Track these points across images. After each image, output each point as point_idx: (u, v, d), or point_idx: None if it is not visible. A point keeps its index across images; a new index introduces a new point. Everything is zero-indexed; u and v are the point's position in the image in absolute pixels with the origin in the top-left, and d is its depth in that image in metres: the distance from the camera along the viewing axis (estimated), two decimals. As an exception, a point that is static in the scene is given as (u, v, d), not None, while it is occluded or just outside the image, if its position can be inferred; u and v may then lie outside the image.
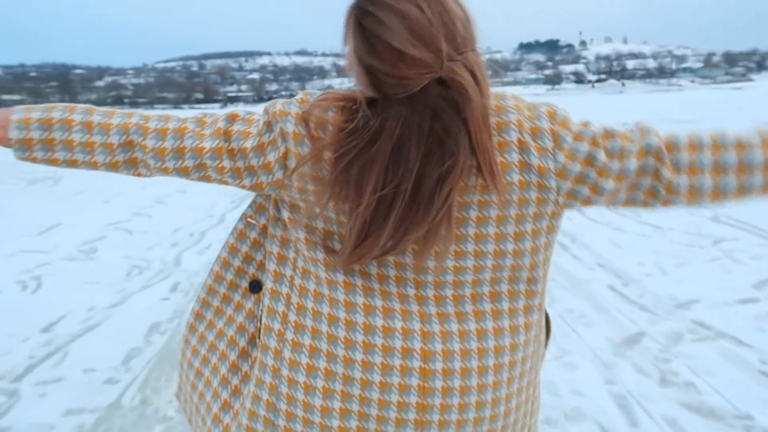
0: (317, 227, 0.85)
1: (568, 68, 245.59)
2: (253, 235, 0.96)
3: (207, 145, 0.83)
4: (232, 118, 0.86)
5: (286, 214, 0.87)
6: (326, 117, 0.80)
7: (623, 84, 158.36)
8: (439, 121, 0.76)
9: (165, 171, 0.86)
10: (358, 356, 0.83)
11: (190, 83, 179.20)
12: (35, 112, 0.85)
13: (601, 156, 0.81)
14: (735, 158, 0.81)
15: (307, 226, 0.85)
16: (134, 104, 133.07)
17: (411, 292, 0.85)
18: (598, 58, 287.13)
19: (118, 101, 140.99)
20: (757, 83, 77.67)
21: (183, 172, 0.85)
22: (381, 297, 0.85)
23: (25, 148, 0.85)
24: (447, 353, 0.83)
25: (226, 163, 0.83)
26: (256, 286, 0.96)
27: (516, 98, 0.86)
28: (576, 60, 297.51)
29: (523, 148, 0.80)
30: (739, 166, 0.81)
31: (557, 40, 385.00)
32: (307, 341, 0.86)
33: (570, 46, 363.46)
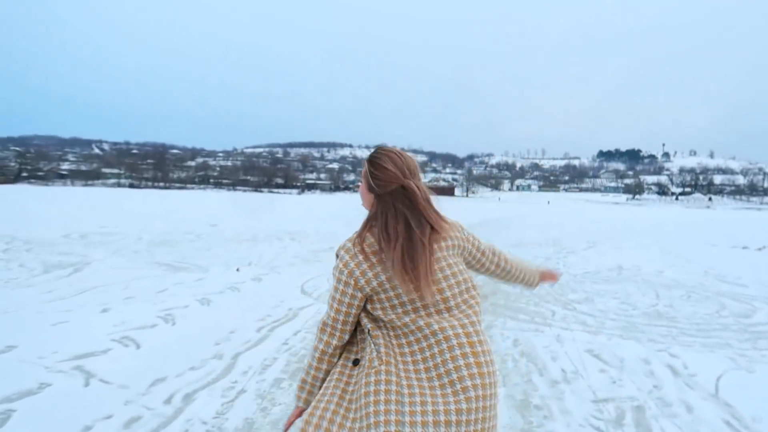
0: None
1: (650, 179, 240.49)
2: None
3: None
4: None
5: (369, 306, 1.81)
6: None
7: (710, 198, 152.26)
8: (403, 205, 1.75)
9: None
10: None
11: (273, 168, 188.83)
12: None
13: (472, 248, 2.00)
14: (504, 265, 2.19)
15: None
16: (219, 185, 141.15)
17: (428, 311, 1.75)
18: (682, 170, 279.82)
19: (204, 180, 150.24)
20: None
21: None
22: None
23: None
24: (466, 333, 1.72)
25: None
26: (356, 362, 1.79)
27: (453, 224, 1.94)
28: (658, 171, 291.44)
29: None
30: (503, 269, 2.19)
31: (639, 150, 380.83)
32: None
33: (652, 156, 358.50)
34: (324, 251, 12.06)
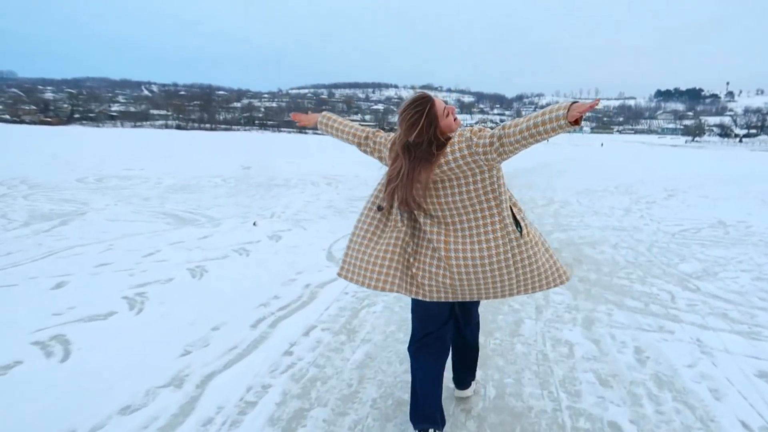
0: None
1: (711, 120, 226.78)
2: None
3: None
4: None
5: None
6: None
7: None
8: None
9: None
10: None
11: (317, 110, 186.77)
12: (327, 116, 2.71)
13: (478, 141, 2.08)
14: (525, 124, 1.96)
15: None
16: (263, 125, 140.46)
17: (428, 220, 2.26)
18: (747, 111, 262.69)
19: (249, 122, 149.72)
20: None
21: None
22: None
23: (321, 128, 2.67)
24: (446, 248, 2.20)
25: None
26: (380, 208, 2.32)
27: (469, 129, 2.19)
28: (721, 112, 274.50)
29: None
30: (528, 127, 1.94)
31: (700, 89, 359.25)
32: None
33: (714, 96, 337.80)
34: (362, 200, 10.39)
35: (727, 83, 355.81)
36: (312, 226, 7.37)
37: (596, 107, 1.84)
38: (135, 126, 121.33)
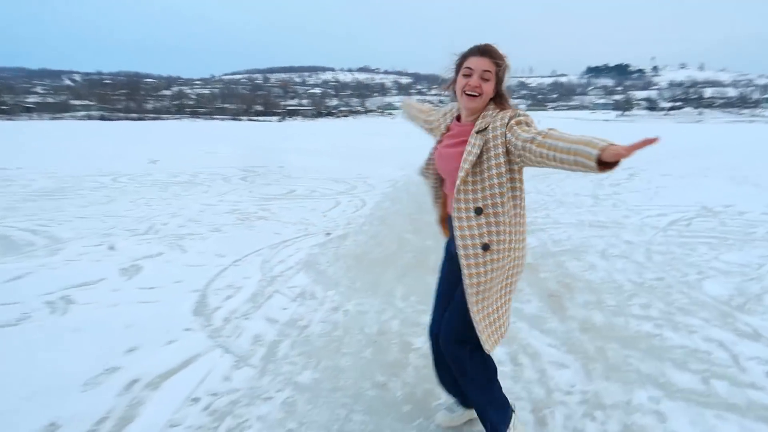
0: None
1: (639, 94, 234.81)
2: None
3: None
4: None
5: None
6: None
7: (700, 113, 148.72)
8: None
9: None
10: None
11: (252, 95, 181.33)
12: None
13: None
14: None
15: None
16: (195, 113, 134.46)
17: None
18: (671, 84, 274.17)
19: (180, 110, 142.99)
20: None
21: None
22: None
23: None
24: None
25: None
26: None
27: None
28: (647, 86, 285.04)
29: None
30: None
31: (627, 65, 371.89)
32: None
33: (641, 71, 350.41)
34: (280, 199, 8.40)
35: (652, 58, 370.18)
36: (196, 246, 5.35)
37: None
38: (54, 118, 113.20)
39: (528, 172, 1.98)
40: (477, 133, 1.87)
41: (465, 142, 1.90)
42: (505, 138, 1.80)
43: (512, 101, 1.96)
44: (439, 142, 2.10)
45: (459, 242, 1.88)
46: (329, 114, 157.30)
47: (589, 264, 4.73)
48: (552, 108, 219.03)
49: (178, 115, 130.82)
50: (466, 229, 1.87)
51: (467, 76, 1.91)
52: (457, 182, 1.87)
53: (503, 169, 1.82)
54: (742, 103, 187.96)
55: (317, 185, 10.10)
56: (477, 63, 1.89)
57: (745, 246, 5.35)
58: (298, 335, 3.18)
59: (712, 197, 8.52)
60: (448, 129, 2.09)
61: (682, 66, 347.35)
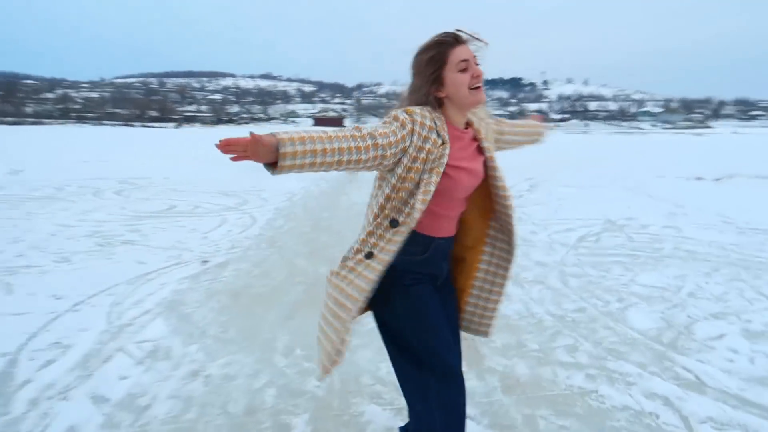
0: None
1: (531, 106, 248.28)
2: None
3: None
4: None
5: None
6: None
7: (586, 124, 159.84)
8: None
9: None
10: None
11: (146, 100, 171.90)
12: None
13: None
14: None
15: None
16: (81, 118, 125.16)
17: None
18: (560, 97, 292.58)
19: (64, 115, 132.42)
20: (716, 130, 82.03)
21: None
22: None
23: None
24: None
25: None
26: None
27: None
28: (538, 99, 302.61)
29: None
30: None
31: (520, 78, 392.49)
32: None
33: (532, 84, 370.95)
34: (156, 216, 7.31)
35: (543, 72, 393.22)
36: (28, 284, 4.23)
37: None
38: None
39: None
40: (484, 133, 1.76)
41: (479, 151, 1.72)
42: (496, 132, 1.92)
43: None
44: (444, 155, 1.57)
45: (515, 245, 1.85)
46: (230, 121, 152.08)
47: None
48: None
49: (62, 120, 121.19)
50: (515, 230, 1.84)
51: (464, 70, 1.60)
52: (506, 192, 1.74)
53: None
54: (621, 115, 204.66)
55: (203, 199, 9.04)
56: (465, 52, 1.62)
57: (658, 265, 5.07)
58: (132, 424, 2.31)
59: (614, 209, 8.46)
60: (449, 140, 1.62)
61: (569, 81, 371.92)
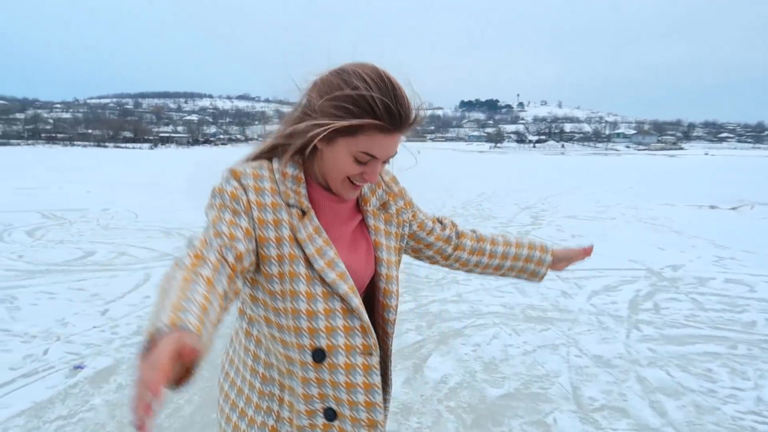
0: None
1: (508, 127, 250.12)
2: None
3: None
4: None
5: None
6: None
7: (563, 146, 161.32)
8: None
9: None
10: None
11: (120, 121, 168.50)
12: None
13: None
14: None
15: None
16: (52, 139, 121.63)
17: None
18: (536, 119, 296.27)
19: (34, 135, 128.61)
20: (688, 151, 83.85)
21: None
22: None
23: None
24: None
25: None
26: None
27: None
28: (515, 120, 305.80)
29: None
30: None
31: (497, 100, 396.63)
32: None
33: (509, 106, 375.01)
34: (57, 271, 5.43)
35: (518, 95, 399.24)
36: None
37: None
38: None
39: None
40: (378, 211, 1.17)
41: (361, 230, 1.14)
42: (411, 228, 1.26)
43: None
44: (319, 228, 1.04)
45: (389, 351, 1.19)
46: (206, 141, 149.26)
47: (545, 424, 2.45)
48: (430, 139, 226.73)
49: (31, 141, 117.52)
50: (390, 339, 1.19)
51: (362, 163, 1.01)
52: (392, 300, 1.14)
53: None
54: (596, 137, 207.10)
55: (135, 241, 7.18)
56: (386, 147, 1.01)
57: (765, 356, 3.40)
58: None
59: (647, 251, 6.85)
60: (304, 213, 1.04)
61: (544, 103, 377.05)
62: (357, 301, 1.03)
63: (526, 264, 1.36)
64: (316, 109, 0.99)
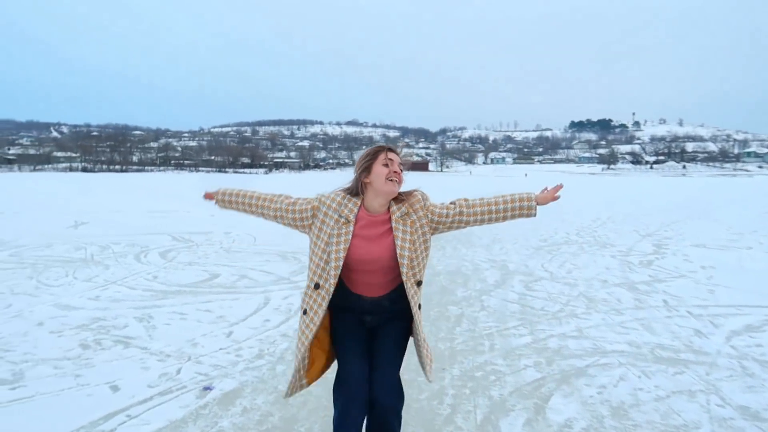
0: None
1: (622, 148, 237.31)
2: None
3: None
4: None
5: None
6: None
7: (684, 166, 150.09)
8: None
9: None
10: None
11: (239, 147, 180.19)
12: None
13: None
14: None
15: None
16: (180, 165, 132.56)
17: None
18: (653, 139, 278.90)
19: (165, 162, 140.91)
20: None
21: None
22: None
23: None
24: None
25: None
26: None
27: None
28: (630, 140, 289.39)
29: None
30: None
31: (609, 120, 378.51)
32: None
33: (623, 126, 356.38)
34: (185, 292, 5.84)
35: (633, 113, 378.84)
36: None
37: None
38: (34, 170, 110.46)
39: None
40: (400, 218, 2.14)
41: (389, 231, 2.13)
42: (428, 218, 2.19)
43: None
44: (349, 232, 2.13)
45: (414, 309, 2.17)
46: (316, 166, 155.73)
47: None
48: (538, 161, 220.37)
49: (162, 167, 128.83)
50: (413, 298, 2.15)
51: (386, 165, 2.12)
52: (404, 268, 2.10)
53: (429, 243, 2.21)
54: (723, 157, 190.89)
55: (256, 264, 7.57)
56: (392, 156, 2.16)
57: None
58: None
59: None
60: (356, 220, 2.15)
61: (662, 121, 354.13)
62: (333, 265, 2.10)
63: (513, 203, 2.23)
64: (356, 164, 2.21)
